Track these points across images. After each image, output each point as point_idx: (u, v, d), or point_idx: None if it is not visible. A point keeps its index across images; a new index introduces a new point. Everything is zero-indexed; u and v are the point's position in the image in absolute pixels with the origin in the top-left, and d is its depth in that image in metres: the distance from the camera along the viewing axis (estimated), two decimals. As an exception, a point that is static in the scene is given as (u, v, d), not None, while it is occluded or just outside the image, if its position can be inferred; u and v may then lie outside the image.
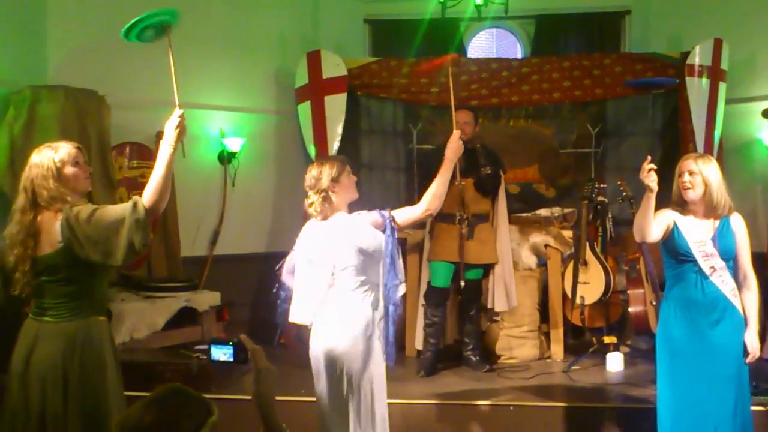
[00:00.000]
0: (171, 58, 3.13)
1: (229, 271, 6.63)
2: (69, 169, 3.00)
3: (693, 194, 3.55)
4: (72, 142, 3.10)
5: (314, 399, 3.39)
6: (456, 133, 3.67)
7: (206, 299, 5.97)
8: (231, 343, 2.11)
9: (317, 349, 3.31)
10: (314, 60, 6.92)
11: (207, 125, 6.80)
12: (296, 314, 3.37)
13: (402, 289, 3.35)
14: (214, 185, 6.84)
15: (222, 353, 1.90)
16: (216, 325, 5.95)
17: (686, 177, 3.55)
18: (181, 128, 2.99)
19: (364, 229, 3.27)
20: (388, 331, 3.30)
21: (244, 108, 7.03)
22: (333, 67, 6.87)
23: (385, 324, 3.31)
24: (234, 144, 6.83)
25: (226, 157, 6.84)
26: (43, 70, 5.84)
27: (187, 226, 6.53)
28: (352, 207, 3.44)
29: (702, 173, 3.53)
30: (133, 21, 3.10)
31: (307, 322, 3.34)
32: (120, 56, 5.86)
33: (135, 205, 2.87)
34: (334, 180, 3.34)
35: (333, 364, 3.23)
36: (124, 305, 5.51)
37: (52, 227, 2.92)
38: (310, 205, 3.36)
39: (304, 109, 6.95)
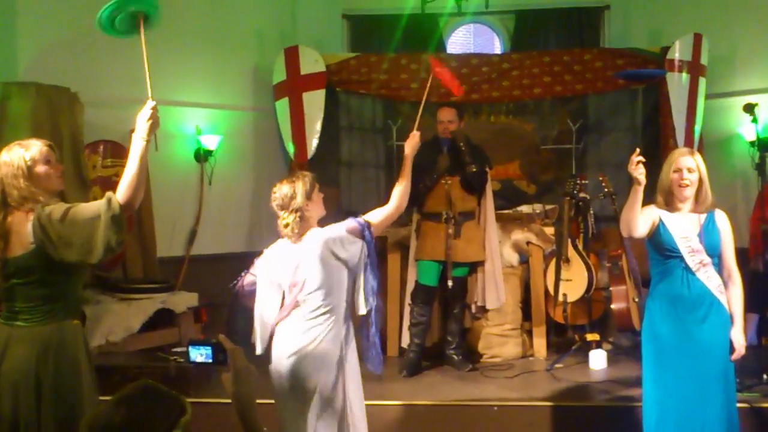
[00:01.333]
0: (144, 48, 3.03)
1: (207, 271, 6.51)
2: (40, 168, 2.90)
3: (690, 191, 3.51)
4: (43, 140, 3.00)
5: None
6: (416, 134, 3.70)
7: (183, 300, 5.86)
8: (209, 344, 2.02)
9: (283, 373, 3.16)
10: (292, 56, 6.84)
11: (183, 122, 6.70)
12: (261, 344, 3.25)
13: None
14: (190, 184, 6.75)
15: (200, 354, 1.85)
16: (194, 327, 5.85)
17: (686, 174, 3.51)
18: (154, 120, 2.91)
19: (341, 239, 3.17)
20: (374, 338, 3.24)
21: (220, 105, 6.95)
22: (311, 63, 6.80)
23: (367, 331, 3.24)
24: (211, 141, 6.74)
25: (202, 155, 6.75)
26: (13, 66, 5.71)
27: (163, 225, 6.43)
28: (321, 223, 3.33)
29: (699, 169, 3.50)
30: (108, 5, 2.99)
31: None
32: (94, 53, 5.76)
33: (109, 201, 2.78)
34: (308, 197, 3.21)
35: (304, 390, 3.11)
36: (99, 307, 5.39)
37: (23, 228, 2.82)
38: (286, 226, 3.19)
39: (282, 106, 6.87)
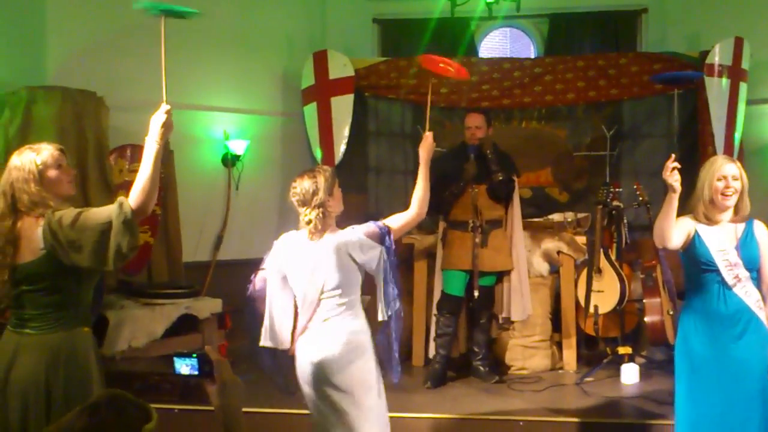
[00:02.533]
0: (162, 49, 2.96)
1: (234, 276, 6.44)
2: (51, 173, 2.87)
3: (733, 201, 3.37)
4: (54, 143, 2.96)
5: (304, 411, 3.27)
6: (429, 134, 3.54)
7: (207, 306, 5.80)
8: (194, 355, 1.97)
9: (308, 372, 3.15)
10: (321, 60, 6.79)
11: (211, 127, 6.68)
12: (270, 338, 3.22)
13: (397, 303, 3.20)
14: (217, 189, 6.71)
15: (185, 365, 1.81)
16: (217, 333, 5.80)
17: (731, 182, 3.35)
18: (168, 124, 2.86)
19: (362, 242, 3.12)
20: (394, 346, 3.17)
21: (248, 110, 6.91)
22: (340, 67, 6.75)
23: (387, 339, 3.17)
24: (238, 146, 6.70)
25: (230, 160, 6.71)
26: (41, 71, 5.73)
27: (190, 230, 6.40)
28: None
29: (742, 177, 3.35)
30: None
31: (286, 346, 3.20)
32: (121, 57, 5.77)
33: (121, 206, 2.75)
34: (329, 193, 3.14)
35: (332, 388, 3.10)
36: (123, 312, 5.36)
37: (33, 233, 2.78)
38: (309, 222, 3.13)
39: (311, 111, 6.82)
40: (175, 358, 2.03)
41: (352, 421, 3.07)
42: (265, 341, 3.21)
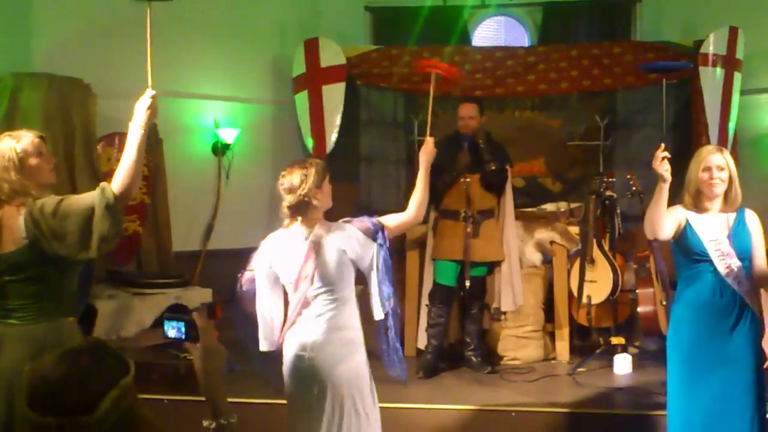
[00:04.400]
0: (148, 34, 2.94)
1: (224, 266, 6.39)
2: (32, 160, 2.83)
3: (720, 190, 3.32)
4: (34, 131, 2.91)
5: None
6: (430, 140, 3.51)
7: (197, 296, 5.76)
8: (183, 320, 1.96)
9: (295, 368, 3.06)
10: (312, 48, 6.73)
11: (201, 115, 6.64)
12: (267, 342, 3.13)
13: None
14: (207, 177, 6.68)
15: (172, 328, 1.83)
16: (208, 323, 5.75)
17: (716, 172, 3.31)
18: (152, 110, 2.85)
19: (357, 237, 3.05)
20: (394, 342, 3.13)
21: (239, 98, 6.86)
22: (332, 55, 6.69)
23: (386, 336, 3.11)
24: (228, 135, 6.66)
25: (220, 149, 6.67)
26: (28, 58, 5.67)
27: (180, 219, 6.36)
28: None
29: (729, 167, 3.31)
30: None
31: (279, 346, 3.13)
32: (108, 45, 5.70)
33: (103, 191, 2.72)
34: (317, 186, 3.04)
35: (319, 386, 3.00)
36: (112, 302, 5.34)
37: (15, 223, 2.74)
38: (289, 208, 3.03)
39: (302, 99, 6.77)
40: (165, 321, 2.08)
41: (340, 426, 2.97)
42: (263, 346, 3.12)
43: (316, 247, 3.03)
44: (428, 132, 3.68)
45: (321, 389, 2.98)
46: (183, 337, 2.04)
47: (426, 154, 3.44)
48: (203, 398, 1.97)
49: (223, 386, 1.98)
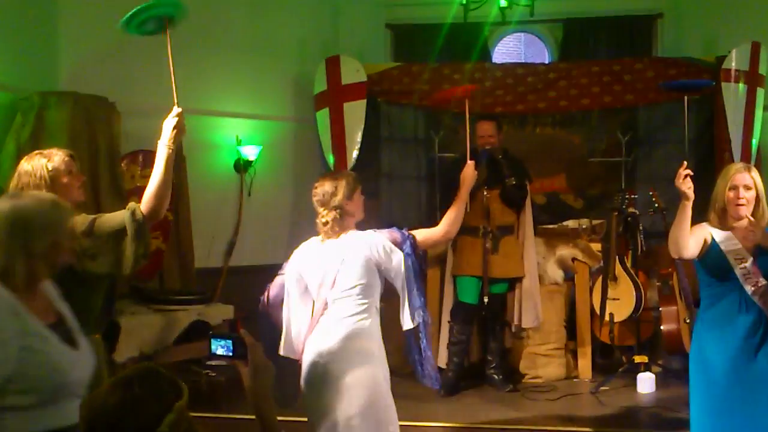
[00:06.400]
0: (170, 54, 2.98)
1: (246, 283, 6.41)
2: (63, 179, 2.88)
3: (746, 212, 3.28)
4: (64, 149, 2.94)
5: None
6: (470, 163, 3.62)
7: (219, 312, 5.77)
8: (230, 337, 1.97)
9: (311, 371, 3.07)
10: (333, 66, 6.75)
11: (223, 133, 6.66)
12: (286, 348, 3.16)
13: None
14: (229, 194, 6.69)
15: (220, 346, 1.85)
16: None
17: (743, 192, 3.27)
18: (180, 128, 2.87)
19: (383, 244, 3.07)
20: (427, 352, 3.13)
21: (261, 115, 6.88)
22: (352, 72, 6.70)
23: (417, 346, 3.11)
24: (250, 152, 6.67)
25: (242, 166, 6.69)
26: (53, 76, 5.73)
27: (202, 236, 6.37)
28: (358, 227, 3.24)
29: (756, 186, 3.27)
30: (134, 10, 2.95)
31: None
32: (133, 63, 5.75)
33: (133, 213, 2.75)
34: (348, 197, 3.13)
35: (344, 389, 2.98)
36: (134, 318, 5.34)
37: (45, 241, 2.75)
38: (325, 224, 3.12)
39: (323, 117, 6.78)
40: (212, 339, 2.08)
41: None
42: (283, 351, 3.16)
43: (341, 252, 3.07)
44: (468, 156, 3.80)
45: (332, 397, 2.97)
46: (231, 354, 2.05)
47: (467, 177, 3.56)
48: (252, 416, 1.98)
49: (273, 403, 2.01)
